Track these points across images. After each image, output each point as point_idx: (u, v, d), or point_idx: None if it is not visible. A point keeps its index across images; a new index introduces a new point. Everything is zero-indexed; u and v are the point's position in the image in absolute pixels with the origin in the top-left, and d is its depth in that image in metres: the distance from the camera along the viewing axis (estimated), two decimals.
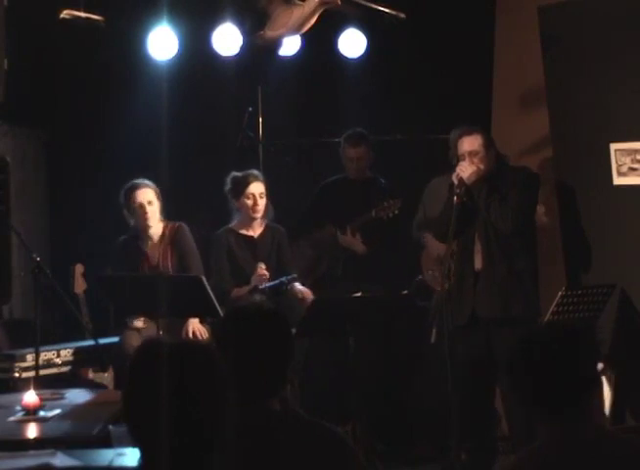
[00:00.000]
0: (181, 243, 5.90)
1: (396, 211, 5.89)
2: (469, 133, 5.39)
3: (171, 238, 5.90)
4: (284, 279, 5.55)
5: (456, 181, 5.27)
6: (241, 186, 5.88)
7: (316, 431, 2.64)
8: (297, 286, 5.86)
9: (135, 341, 5.59)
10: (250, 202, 5.88)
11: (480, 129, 5.46)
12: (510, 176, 5.38)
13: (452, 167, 5.48)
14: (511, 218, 5.24)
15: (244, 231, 6.00)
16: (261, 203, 5.90)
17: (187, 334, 5.76)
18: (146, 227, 5.86)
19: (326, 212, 6.30)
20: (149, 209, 5.82)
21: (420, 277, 6.07)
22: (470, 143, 5.35)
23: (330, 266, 6.28)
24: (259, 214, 5.92)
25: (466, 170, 5.28)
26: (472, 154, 5.33)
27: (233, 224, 6.03)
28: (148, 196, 5.83)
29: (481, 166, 5.31)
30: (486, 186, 5.32)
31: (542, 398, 2.48)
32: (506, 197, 5.29)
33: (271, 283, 5.69)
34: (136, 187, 5.84)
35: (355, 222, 6.10)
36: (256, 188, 5.86)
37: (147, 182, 5.86)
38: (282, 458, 2.56)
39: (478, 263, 5.38)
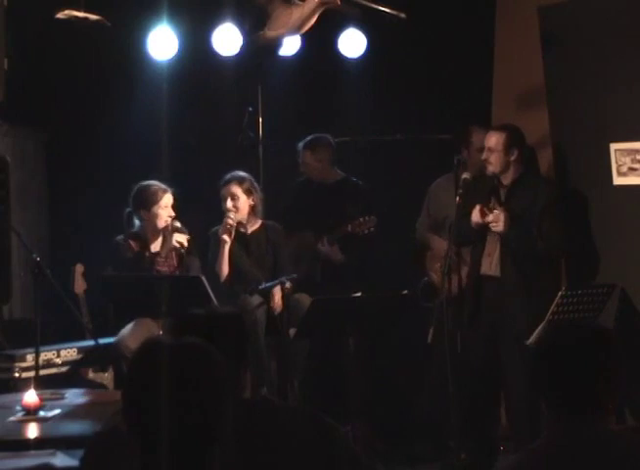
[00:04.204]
0: (190, 250, 5.88)
1: (372, 229, 5.91)
2: (497, 129, 5.42)
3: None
4: (283, 279, 5.54)
5: (461, 181, 5.27)
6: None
7: (289, 416, 2.66)
8: (277, 293, 5.73)
9: (132, 341, 5.55)
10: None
11: (510, 129, 5.42)
12: (532, 188, 5.36)
13: (452, 168, 5.48)
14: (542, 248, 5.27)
15: (238, 227, 5.99)
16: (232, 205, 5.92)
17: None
18: (161, 230, 5.82)
19: (302, 214, 6.31)
20: (170, 212, 5.80)
21: (426, 279, 6.07)
22: (490, 139, 5.36)
23: (308, 270, 6.27)
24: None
25: (499, 223, 5.26)
26: (489, 150, 5.35)
27: None
28: (171, 200, 5.81)
29: (491, 164, 5.32)
30: (506, 193, 5.35)
31: (563, 399, 2.47)
32: (526, 212, 5.28)
33: (271, 283, 5.69)
34: (162, 191, 5.77)
35: (332, 235, 6.11)
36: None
37: (165, 186, 5.82)
38: (256, 446, 2.56)
39: (485, 267, 5.39)
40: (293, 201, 6.46)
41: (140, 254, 5.81)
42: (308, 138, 6.33)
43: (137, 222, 5.88)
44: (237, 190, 5.92)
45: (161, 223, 5.79)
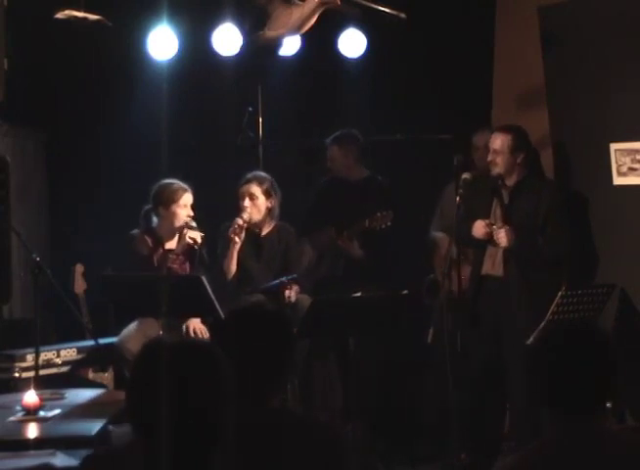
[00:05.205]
0: (201, 252, 5.89)
1: (389, 223, 5.91)
2: (503, 131, 5.40)
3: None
4: (284, 279, 5.54)
5: (461, 181, 5.27)
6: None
7: (290, 418, 2.67)
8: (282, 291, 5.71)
9: (133, 344, 5.54)
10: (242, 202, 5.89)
11: (516, 131, 5.41)
12: (535, 192, 5.35)
13: (452, 168, 5.48)
14: (547, 257, 5.27)
15: (253, 227, 5.98)
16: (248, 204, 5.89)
17: (188, 333, 5.74)
18: (177, 229, 5.83)
19: (326, 212, 6.32)
20: (189, 212, 5.80)
21: (432, 276, 6.07)
22: (495, 141, 5.35)
23: (330, 267, 6.29)
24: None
25: (501, 240, 5.27)
26: (495, 152, 5.34)
27: None
28: (190, 200, 5.82)
29: (497, 164, 5.32)
30: (509, 195, 5.34)
31: (562, 398, 2.47)
32: (530, 216, 5.28)
33: (272, 283, 5.68)
34: (182, 190, 5.78)
35: (351, 230, 6.11)
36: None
37: (186, 186, 5.82)
38: (277, 456, 2.56)
39: (487, 266, 5.39)
40: (317, 200, 6.46)
41: (154, 250, 5.81)
42: (336, 133, 6.33)
43: (155, 220, 5.88)
44: (256, 190, 5.91)
45: (179, 222, 5.80)
